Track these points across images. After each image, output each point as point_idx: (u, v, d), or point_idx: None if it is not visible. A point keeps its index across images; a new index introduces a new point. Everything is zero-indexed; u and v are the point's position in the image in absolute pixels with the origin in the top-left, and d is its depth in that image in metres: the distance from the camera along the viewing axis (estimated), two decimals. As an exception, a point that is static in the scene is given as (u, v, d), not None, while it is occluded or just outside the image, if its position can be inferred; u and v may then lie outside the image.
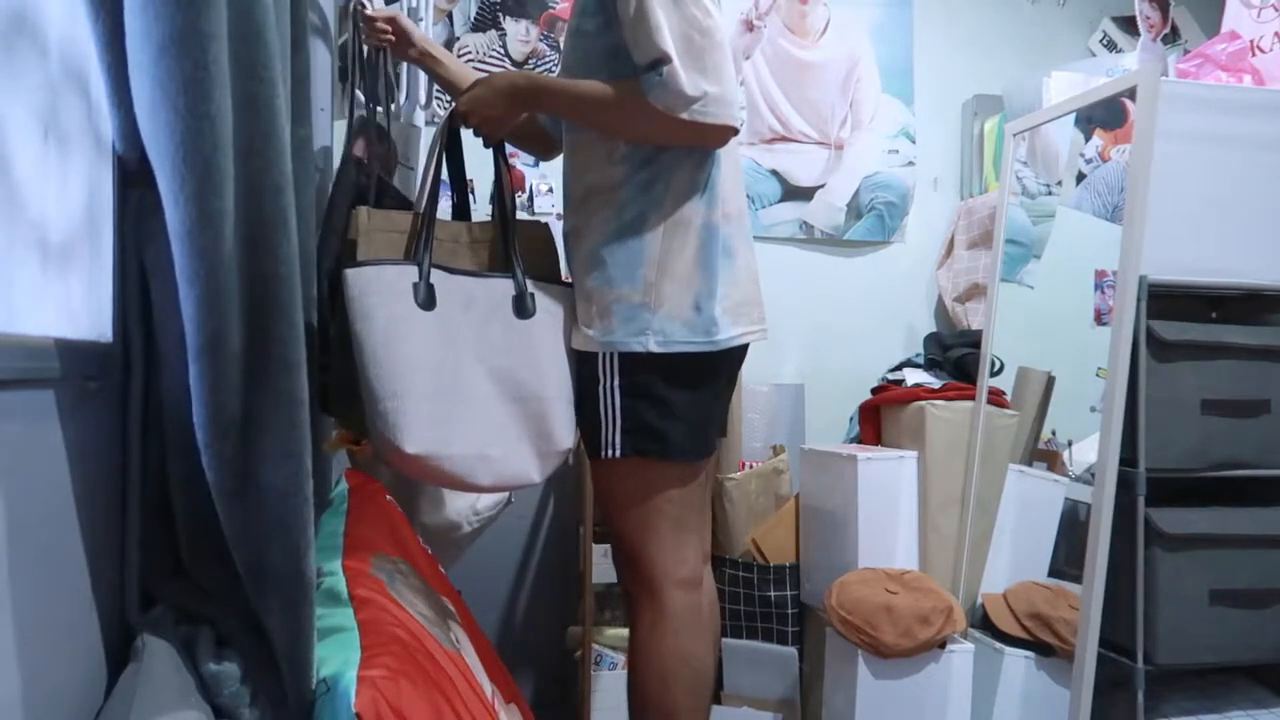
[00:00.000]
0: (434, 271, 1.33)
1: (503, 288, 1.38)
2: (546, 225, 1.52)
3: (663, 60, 1.28)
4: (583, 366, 1.41)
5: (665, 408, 1.39)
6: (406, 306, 1.29)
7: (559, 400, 1.38)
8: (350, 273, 1.28)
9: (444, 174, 1.49)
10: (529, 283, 1.39)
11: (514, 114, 1.46)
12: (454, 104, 1.46)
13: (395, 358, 1.25)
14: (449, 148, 1.51)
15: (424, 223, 1.35)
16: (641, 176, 1.39)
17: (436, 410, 1.27)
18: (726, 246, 1.42)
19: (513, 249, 1.42)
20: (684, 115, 1.29)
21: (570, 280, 1.47)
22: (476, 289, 1.36)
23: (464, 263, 1.40)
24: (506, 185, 1.48)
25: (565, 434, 1.38)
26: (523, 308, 1.38)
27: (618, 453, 1.39)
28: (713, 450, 1.49)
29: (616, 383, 1.39)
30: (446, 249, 1.39)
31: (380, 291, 1.27)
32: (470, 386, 1.31)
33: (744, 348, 1.46)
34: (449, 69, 1.68)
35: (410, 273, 1.31)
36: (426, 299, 1.31)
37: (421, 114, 2.19)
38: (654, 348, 1.36)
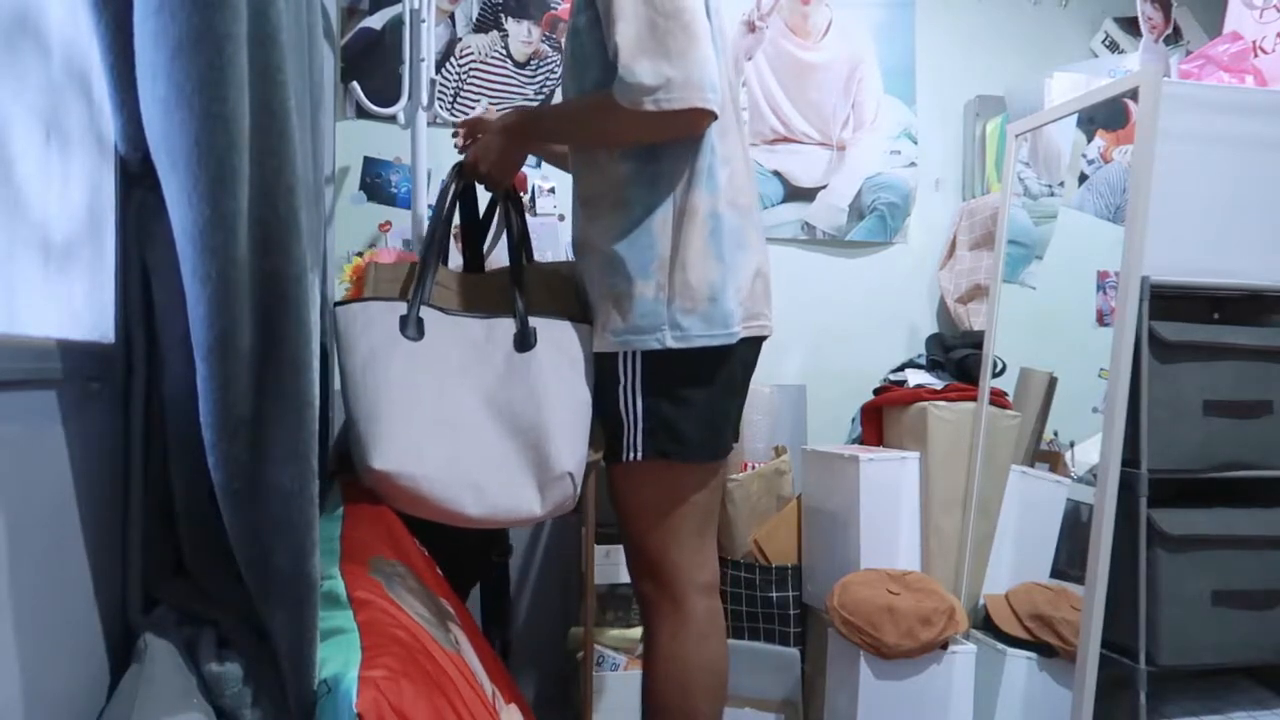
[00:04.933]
0: (429, 310, 1.36)
1: (505, 325, 1.39)
2: (571, 264, 1.50)
3: (617, 53, 1.25)
4: (602, 369, 1.39)
5: (685, 407, 1.36)
6: (389, 336, 1.31)
7: (557, 425, 1.32)
8: (339, 309, 1.33)
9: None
10: (530, 318, 1.39)
11: (512, 153, 1.47)
12: (460, 161, 1.48)
13: (372, 383, 1.27)
14: (461, 199, 1.54)
15: (421, 266, 1.39)
16: (645, 172, 1.37)
17: (413, 430, 1.25)
18: (739, 238, 1.39)
19: (515, 287, 1.42)
20: (649, 107, 1.23)
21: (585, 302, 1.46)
22: (478, 329, 1.38)
23: (481, 307, 1.42)
24: (517, 229, 1.49)
25: (565, 456, 1.31)
26: (524, 342, 1.37)
27: (639, 455, 1.37)
28: (728, 450, 1.46)
29: (638, 382, 1.36)
30: (460, 297, 1.42)
31: (365, 324, 1.32)
32: (461, 415, 1.30)
33: (758, 345, 1.44)
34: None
35: (397, 308, 1.34)
36: (415, 331, 1.33)
37: (424, 115, 2.20)
38: (671, 344, 1.33)
